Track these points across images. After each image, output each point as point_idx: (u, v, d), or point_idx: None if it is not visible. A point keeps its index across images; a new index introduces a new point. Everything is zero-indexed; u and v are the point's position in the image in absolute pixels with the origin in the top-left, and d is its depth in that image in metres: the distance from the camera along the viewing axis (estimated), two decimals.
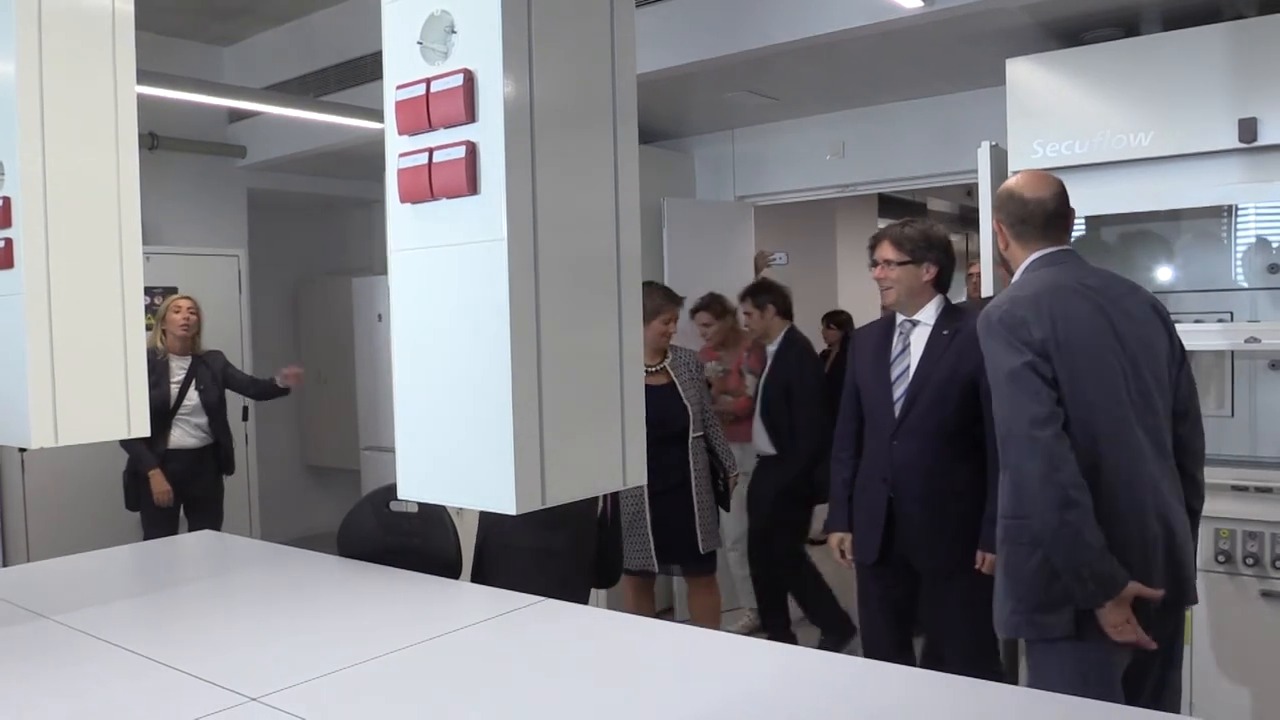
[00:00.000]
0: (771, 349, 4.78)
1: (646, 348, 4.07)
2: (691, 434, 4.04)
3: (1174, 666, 2.33)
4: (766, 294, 4.83)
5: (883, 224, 9.32)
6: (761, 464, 4.70)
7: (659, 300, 4.04)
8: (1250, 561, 3.19)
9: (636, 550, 3.98)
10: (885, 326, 3.19)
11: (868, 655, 3.07)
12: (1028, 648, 2.34)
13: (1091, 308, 2.26)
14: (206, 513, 4.96)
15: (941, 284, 3.11)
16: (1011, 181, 2.49)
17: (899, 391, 3.06)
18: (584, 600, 2.92)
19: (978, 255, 9.96)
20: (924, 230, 3.11)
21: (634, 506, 3.96)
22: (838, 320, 6.95)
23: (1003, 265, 2.54)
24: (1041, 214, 2.38)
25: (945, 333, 3.04)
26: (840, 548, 3.27)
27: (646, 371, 4.02)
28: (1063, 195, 2.41)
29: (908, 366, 3.07)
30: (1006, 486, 2.28)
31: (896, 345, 3.13)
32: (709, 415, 4.20)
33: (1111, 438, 2.20)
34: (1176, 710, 2.34)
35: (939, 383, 3.00)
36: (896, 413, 3.05)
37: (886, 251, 3.10)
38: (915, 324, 3.10)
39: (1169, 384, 2.33)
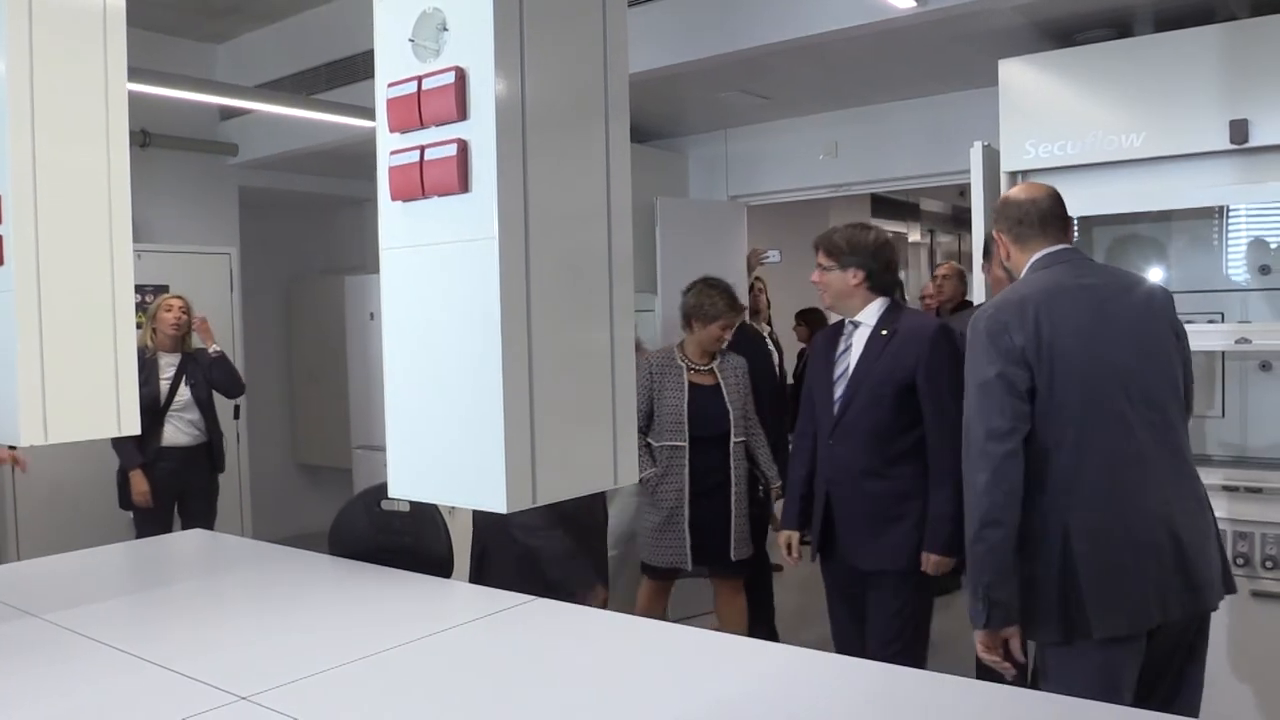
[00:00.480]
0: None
1: (697, 348, 4.09)
2: (733, 438, 4.03)
3: (1196, 662, 2.31)
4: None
5: (876, 224, 9.37)
6: None
7: (722, 306, 4.04)
8: (1240, 562, 3.20)
9: (670, 547, 3.97)
10: (838, 328, 3.22)
11: (837, 649, 3.12)
12: (1035, 649, 2.34)
13: (1086, 308, 2.25)
14: (200, 511, 4.94)
15: (877, 287, 3.10)
16: (1005, 193, 2.52)
17: (838, 392, 3.09)
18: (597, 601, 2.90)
19: (956, 257, 9.88)
20: (851, 235, 3.12)
21: (673, 503, 3.96)
22: (808, 318, 6.95)
23: (1005, 277, 2.51)
24: (1036, 212, 2.39)
25: (884, 333, 3.05)
26: (788, 543, 3.29)
27: (695, 370, 4.03)
28: (1057, 197, 2.42)
29: (847, 367, 3.09)
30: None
31: (840, 346, 3.15)
32: (752, 422, 4.17)
33: (1098, 443, 2.18)
34: (1196, 707, 2.33)
35: (874, 384, 3.01)
36: (834, 413, 3.08)
37: (819, 255, 3.15)
38: (857, 325, 3.12)
39: (1181, 382, 2.31)
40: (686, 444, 3.98)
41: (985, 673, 2.39)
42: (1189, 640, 2.28)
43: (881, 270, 3.10)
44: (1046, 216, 2.39)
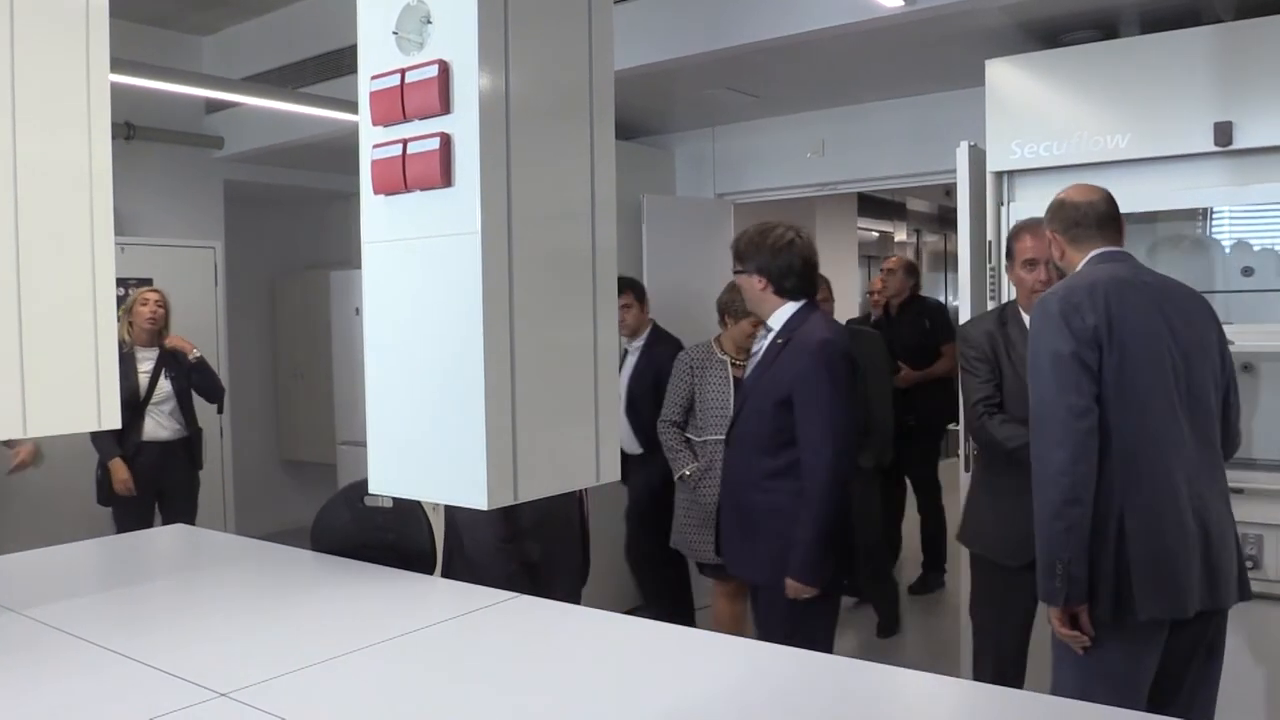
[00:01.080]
0: (638, 344, 4.66)
1: (733, 344, 4.08)
2: None
3: (1216, 658, 2.38)
4: (629, 289, 4.60)
5: (862, 223, 9.38)
6: (627, 463, 4.46)
7: None
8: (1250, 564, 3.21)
9: (708, 542, 3.88)
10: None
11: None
12: (1056, 652, 2.35)
13: (1148, 302, 2.31)
14: (180, 506, 4.91)
15: (783, 291, 3.02)
16: (1058, 195, 2.55)
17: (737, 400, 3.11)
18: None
19: (942, 258, 9.81)
20: (751, 238, 3.07)
21: (715, 500, 3.89)
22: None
23: (1054, 276, 2.60)
24: (1094, 214, 2.44)
25: (779, 342, 2.98)
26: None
27: (736, 364, 4.01)
28: (1111, 199, 2.48)
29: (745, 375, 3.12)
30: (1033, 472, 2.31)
31: (752, 350, 3.16)
32: None
33: (1154, 428, 2.25)
34: (1212, 704, 2.40)
35: (759, 394, 2.99)
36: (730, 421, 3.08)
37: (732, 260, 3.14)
38: (769, 331, 3.08)
39: (1221, 383, 2.39)
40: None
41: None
42: (1209, 638, 2.33)
43: (783, 274, 3.00)
44: (1104, 218, 2.44)
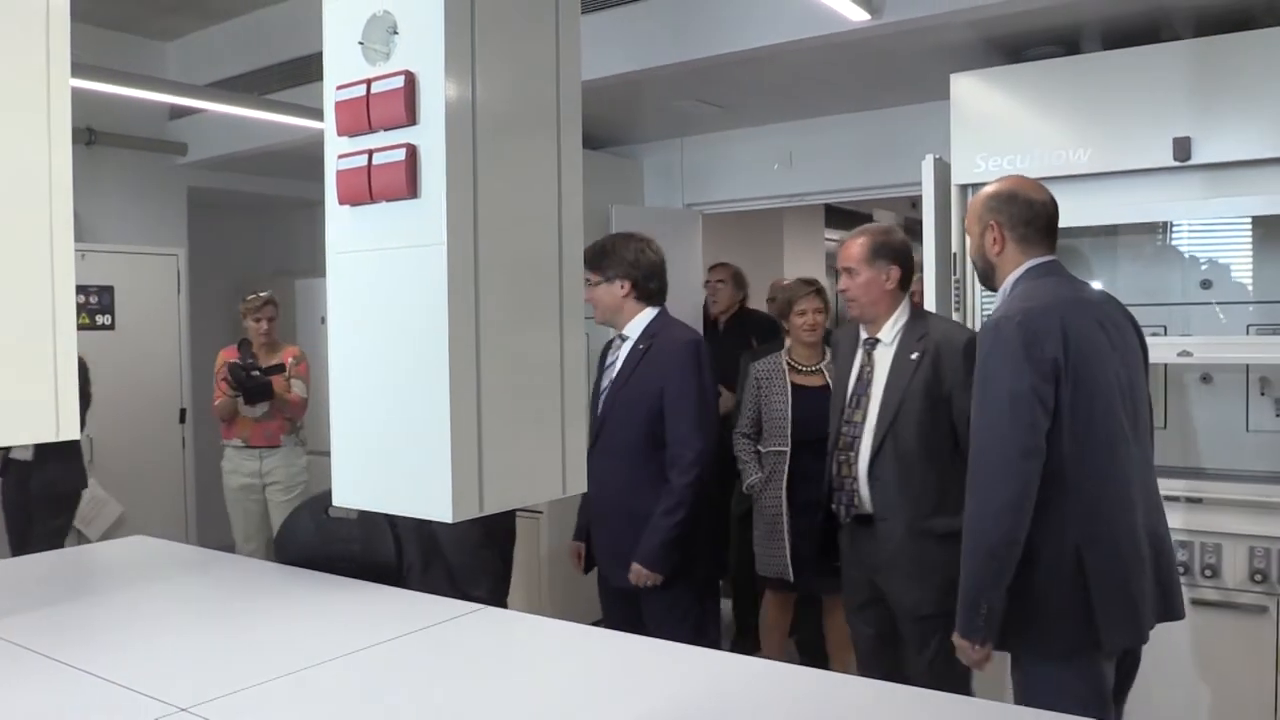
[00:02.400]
0: None
1: (799, 345, 4.08)
2: None
3: (1131, 679, 2.37)
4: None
5: (829, 234, 9.45)
6: None
7: (794, 287, 4.05)
8: (1181, 570, 3.25)
9: (774, 557, 3.89)
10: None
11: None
12: (1015, 664, 2.31)
13: (1093, 323, 2.25)
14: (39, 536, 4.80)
15: (648, 295, 3.10)
16: (1008, 184, 2.44)
17: (597, 409, 3.11)
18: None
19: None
20: (606, 246, 3.14)
21: (774, 510, 3.90)
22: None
23: (984, 269, 2.47)
24: (1045, 217, 2.37)
25: (641, 348, 3.07)
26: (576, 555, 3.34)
27: (802, 371, 4.00)
28: (1056, 203, 2.43)
29: (609, 383, 3.14)
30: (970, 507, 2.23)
31: (607, 359, 3.20)
32: None
33: (1110, 459, 2.19)
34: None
35: (626, 404, 3.04)
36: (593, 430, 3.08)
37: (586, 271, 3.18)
38: (624, 340, 3.14)
39: (1148, 393, 2.37)
40: (789, 449, 3.92)
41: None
42: (1138, 657, 2.33)
43: (648, 277, 3.09)
44: (1051, 223, 2.38)
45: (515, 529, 3.33)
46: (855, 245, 2.93)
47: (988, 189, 2.46)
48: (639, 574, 2.95)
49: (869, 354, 2.94)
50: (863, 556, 2.92)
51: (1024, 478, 2.14)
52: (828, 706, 1.80)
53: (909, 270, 2.96)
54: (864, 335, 2.98)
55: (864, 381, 2.93)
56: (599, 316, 3.16)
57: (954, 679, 2.50)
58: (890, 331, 2.92)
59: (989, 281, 2.46)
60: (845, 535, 2.97)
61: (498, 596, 3.12)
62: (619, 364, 3.09)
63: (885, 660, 2.94)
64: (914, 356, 2.84)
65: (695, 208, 5.96)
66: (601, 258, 3.09)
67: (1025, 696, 2.26)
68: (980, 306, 3.75)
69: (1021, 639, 2.23)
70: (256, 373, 4.98)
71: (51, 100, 2.17)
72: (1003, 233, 2.36)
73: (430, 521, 2.88)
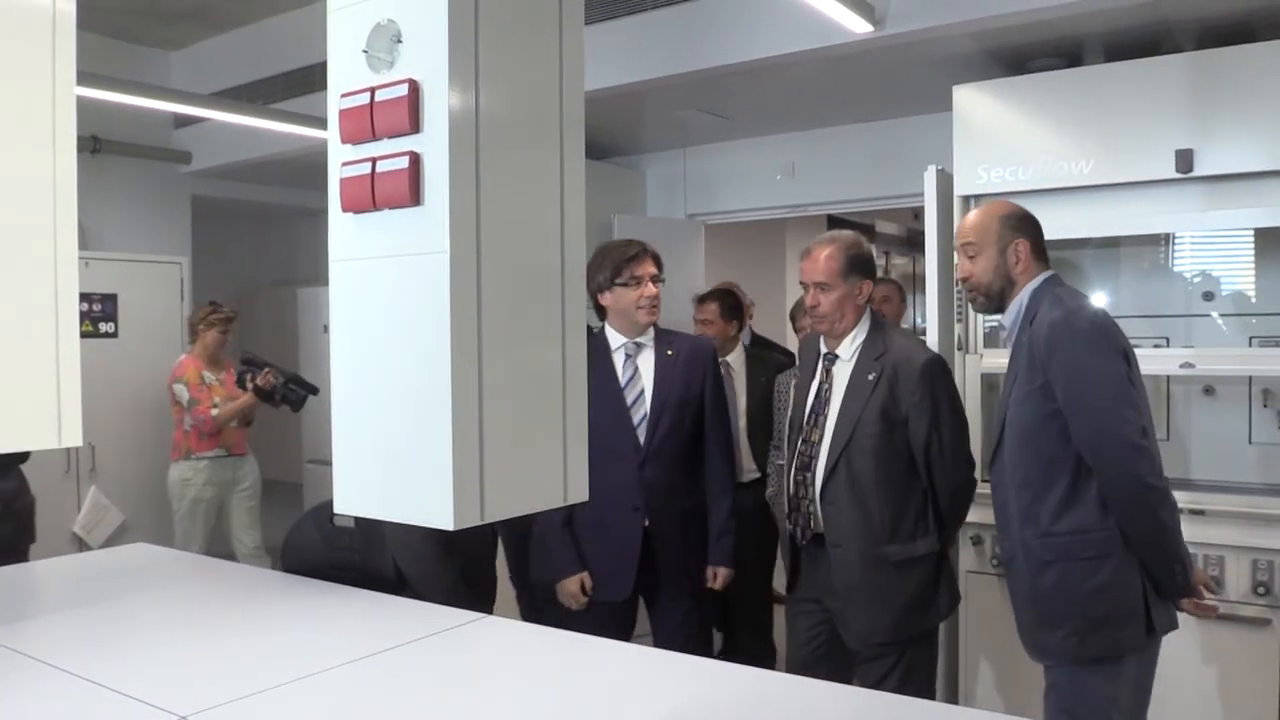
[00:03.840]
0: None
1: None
2: None
3: None
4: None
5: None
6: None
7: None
8: None
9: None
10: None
11: None
12: (1059, 673, 2.37)
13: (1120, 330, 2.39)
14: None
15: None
16: (1012, 206, 2.57)
17: (638, 417, 3.08)
18: None
19: (910, 280, 9.78)
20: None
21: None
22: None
23: (994, 281, 2.52)
24: (1043, 238, 2.53)
25: (670, 354, 3.14)
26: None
27: None
28: None
29: (642, 390, 3.12)
30: (1081, 499, 2.31)
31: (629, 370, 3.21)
32: None
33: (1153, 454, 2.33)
34: None
35: (673, 408, 3.08)
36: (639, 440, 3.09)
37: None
38: (640, 348, 3.18)
39: None
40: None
41: None
42: None
43: (592, 283, 3.08)
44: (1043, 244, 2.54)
45: (493, 549, 3.22)
46: (826, 259, 2.80)
47: (1002, 207, 2.57)
48: (726, 576, 3.14)
49: (828, 370, 2.86)
50: (817, 579, 2.86)
51: (1150, 452, 2.26)
52: (841, 717, 1.80)
53: (874, 282, 2.90)
54: (824, 349, 2.89)
55: (822, 399, 2.84)
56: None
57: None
58: (850, 347, 2.82)
59: (1000, 302, 2.52)
60: (804, 555, 2.92)
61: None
62: (654, 372, 3.08)
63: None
64: (870, 377, 2.73)
65: (698, 218, 5.97)
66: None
67: (1068, 702, 2.33)
68: (982, 319, 3.74)
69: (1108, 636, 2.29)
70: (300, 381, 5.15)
71: (57, 109, 2.18)
72: (1029, 251, 2.47)
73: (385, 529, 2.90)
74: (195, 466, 5.19)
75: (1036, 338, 2.34)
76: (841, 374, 2.83)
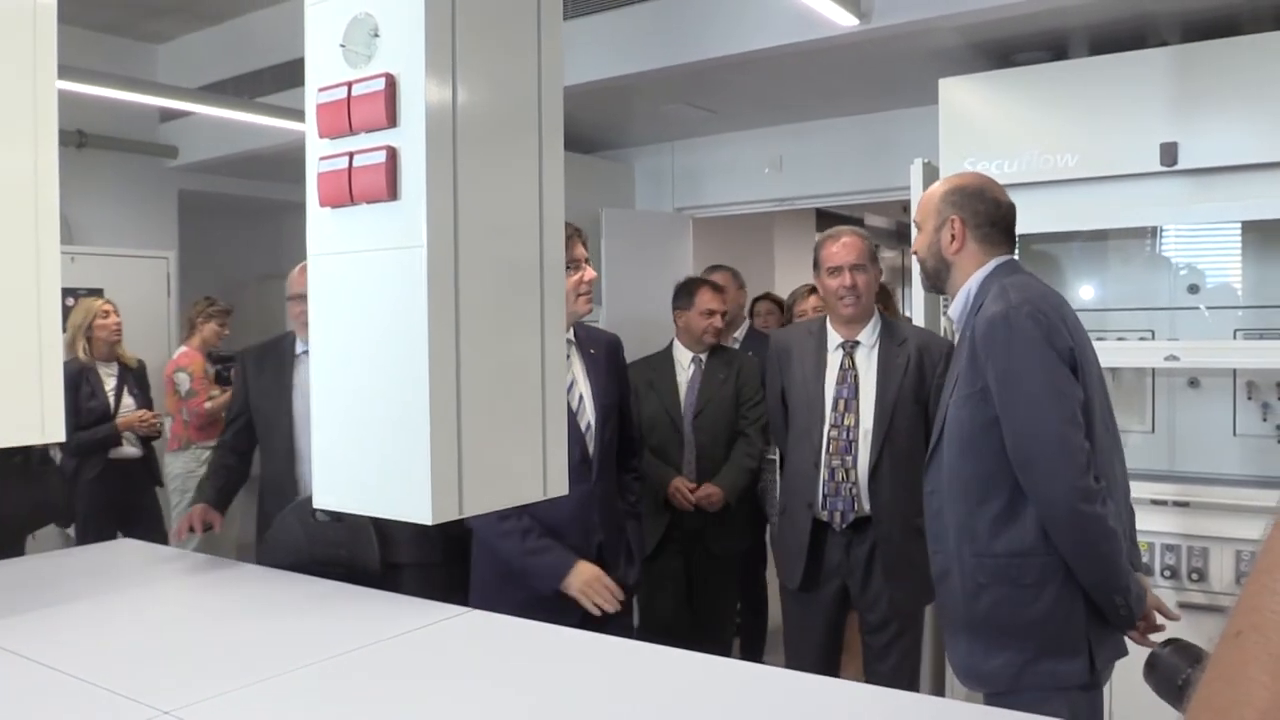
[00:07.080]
0: None
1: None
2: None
3: None
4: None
5: (819, 238, 9.46)
6: None
7: (797, 291, 4.26)
8: (1168, 574, 3.27)
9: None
10: None
11: None
12: (994, 702, 2.05)
13: (1075, 316, 2.11)
14: (147, 525, 4.76)
15: None
16: (972, 179, 2.26)
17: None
18: None
19: (900, 274, 9.66)
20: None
21: None
22: None
23: (938, 268, 2.25)
24: (1009, 219, 2.20)
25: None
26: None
27: None
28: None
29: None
30: (1020, 515, 2.02)
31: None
32: None
33: (1103, 465, 2.05)
34: None
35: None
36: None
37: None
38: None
39: None
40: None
41: None
42: None
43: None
44: (1012, 226, 2.22)
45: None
46: (860, 241, 2.99)
47: (948, 182, 2.27)
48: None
49: (850, 356, 2.97)
50: (852, 562, 2.92)
51: (1082, 465, 1.95)
52: (835, 712, 1.80)
53: None
54: (838, 338, 3.01)
55: (850, 386, 2.94)
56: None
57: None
58: (871, 334, 2.98)
59: (936, 281, 2.27)
60: (830, 543, 2.93)
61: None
62: (583, 372, 2.78)
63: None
64: (899, 360, 2.90)
65: (686, 211, 5.97)
66: None
67: None
68: None
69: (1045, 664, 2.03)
70: None
71: (38, 102, 2.17)
72: (964, 230, 2.17)
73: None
74: (199, 457, 5.17)
75: (977, 335, 2.06)
76: (867, 360, 2.95)
